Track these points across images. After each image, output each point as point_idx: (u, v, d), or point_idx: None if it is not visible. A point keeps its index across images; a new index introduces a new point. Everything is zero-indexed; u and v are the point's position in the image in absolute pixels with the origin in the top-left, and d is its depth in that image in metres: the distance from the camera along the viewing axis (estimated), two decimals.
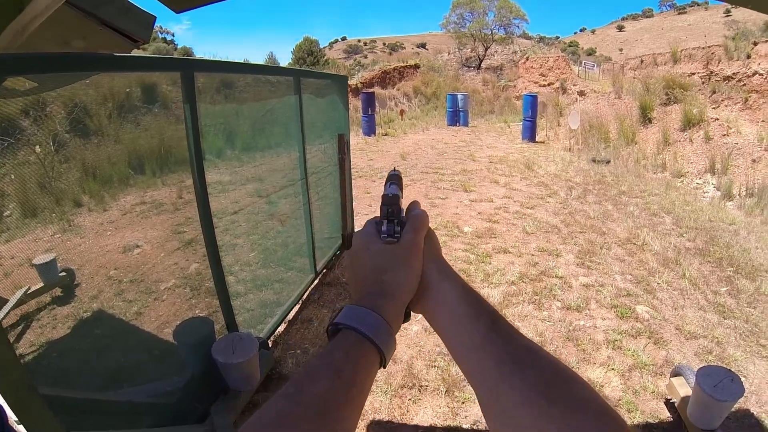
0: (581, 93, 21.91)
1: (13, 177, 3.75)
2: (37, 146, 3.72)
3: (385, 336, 0.52)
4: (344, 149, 4.48)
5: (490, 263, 4.94)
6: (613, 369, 3.20)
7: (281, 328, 3.70)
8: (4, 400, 1.41)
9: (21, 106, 3.94)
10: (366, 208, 6.69)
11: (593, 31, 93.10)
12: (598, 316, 3.89)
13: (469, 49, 33.70)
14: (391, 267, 0.59)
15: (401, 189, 0.76)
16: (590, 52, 57.13)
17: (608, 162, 10.34)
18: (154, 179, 5.68)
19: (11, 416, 1.51)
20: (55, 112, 4.38)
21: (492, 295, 4.22)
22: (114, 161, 5.23)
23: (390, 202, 0.66)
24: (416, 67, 26.76)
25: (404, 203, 0.71)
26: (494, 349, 0.48)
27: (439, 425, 2.78)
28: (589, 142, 12.28)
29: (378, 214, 0.68)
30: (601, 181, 8.62)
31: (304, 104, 3.98)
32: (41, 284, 3.26)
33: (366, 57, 53.53)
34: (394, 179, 0.76)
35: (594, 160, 10.51)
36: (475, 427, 2.75)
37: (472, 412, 2.83)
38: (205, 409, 2.68)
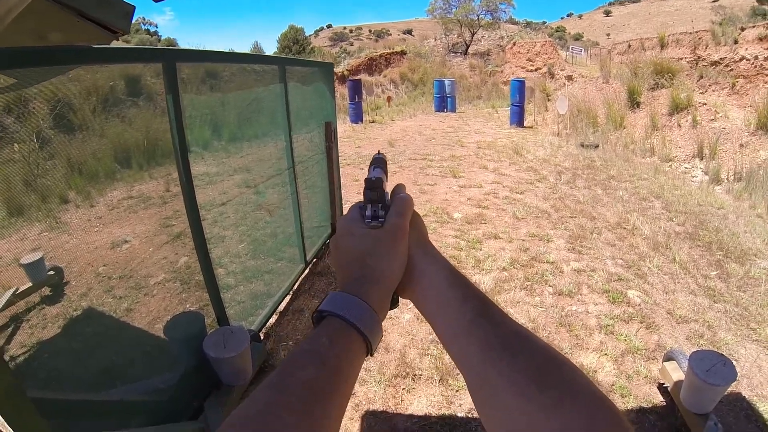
0: (569, 78, 21.89)
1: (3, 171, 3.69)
2: (16, 144, 3.64)
3: (371, 323, 0.51)
4: (331, 137, 4.45)
5: (480, 249, 4.94)
6: (606, 354, 3.22)
7: (273, 320, 3.68)
8: None
9: (2, 104, 3.85)
10: (355, 196, 6.65)
11: (580, 16, 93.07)
12: (590, 301, 3.91)
13: (456, 35, 33.44)
14: (375, 252, 0.58)
15: (386, 173, 0.75)
16: (577, 37, 57.07)
17: (597, 146, 10.37)
18: (141, 173, 5.61)
19: (0, 419, 1.49)
20: (37, 109, 4.28)
21: (483, 281, 4.22)
22: (99, 156, 5.15)
23: (373, 186, 0.64)
24: (403, 53, 26.55)
25: (391, 187, 0.70)
26: (482, 333, 0.48)
27: (433, 414, 2.78)
28: (577, 126, 12.30)
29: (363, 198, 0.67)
30: (590, 166, 8.64)
31: (290, 93, 3.93)
32: (29, 284, 3.18)
33: (352, 44, 53.12)
34: (379, 163, 0.76)
35: (582, 145, 10.54)
36: (470, 416, 2.75)
37: (467, 401, 2.83)
38: (199, 405, 2.66)
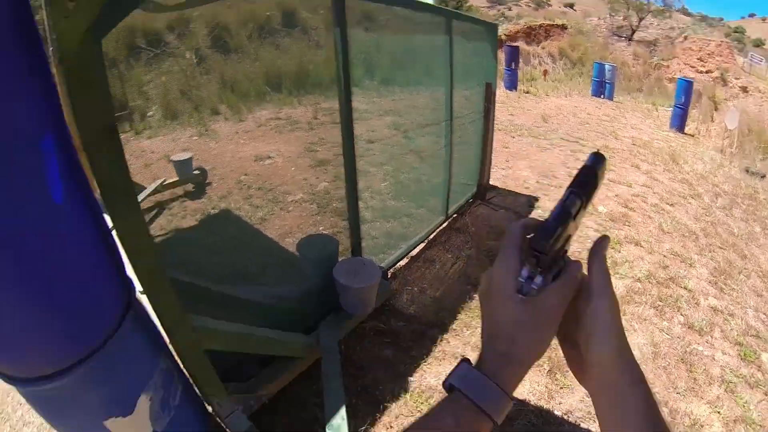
0: (743, 89, 19.32)
1: (163, 80, 4.01)
2: (177, 58, 3.95)
3: (500, 407, 0.50)
4: (491, 98, 4.34)
5: (619, 252, 4.61)
6: (718, 412, 2.85)
7: (403, 263, 3.74)
8: (133, 273, 1.54)
9: (166, 23, 4.15)
10: (503, 163, 6.48)
11: (764, 19, 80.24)
12: (720, 347, 3.47)
13: (621, 17, 30.59)
14: (521, 327, 0.53)
15: (591, 194, 0.57)
16: (758, 44, 49.38)
17: (764, 176, 9.08)
18: (290, 98, 5.84)
19: (138, 287, 1.63)
20: (197, 30, 4.59)
21: (616, 285, 3.88)
22: (252, 78, 5.45)
23: (540, 247, 0.50)
24: (563, 27, 24.87)
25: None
26: None
27: (532, 402, 2.69)
28: (745, 147, 10.82)
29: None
30: (752, 197, 7.58)
31: (454, 47, 3.86)
32: (176, 178, 3.48)
33: (510, 9, 50.52)
34: (586, 178, 0.56)
35: (748, 171, 9.26)
36: (566, 418, 2.62)
37: (568, 402, 2.70)
38: (314, 323, 2.79)
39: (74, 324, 1.37)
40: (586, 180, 0.56)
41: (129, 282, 1.63)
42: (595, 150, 0.62)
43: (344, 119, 2.73)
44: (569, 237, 0.55)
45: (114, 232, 1.53)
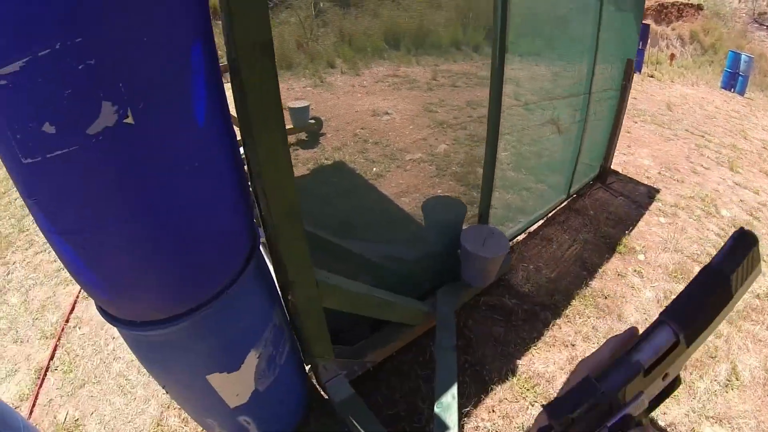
0: None
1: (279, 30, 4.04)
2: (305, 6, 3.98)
3: None
4: (630, 77, 4.03)
5: None
6: None
7: (520, 237, 3.64)
8: (268, 212, 1.44)
9: None
10: (624, 148, 6.04)
11: None
12: None
13: (766, 2, 27.15)
14: None
15: (703, 325, 0.37)
16: None
17: None
18: (408, 57, 5.75)
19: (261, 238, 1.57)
20: None
21: None
22: (370, 34, 5.38)
23: (549, 418, 0.37)
24: (699, 8, 22.50)
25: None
26: None
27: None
28: None
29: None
30: None
31: (603, 14, 3.54)
32: (290, 126, 3.50)
33: None
34: (702, 293, 0.35)
35: None
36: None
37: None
38: (429, 291, 2.71)
39: (198, 266, 1.25)
40: (701, 297, 0.35)
41: (255, 227, 1.54)
42: (742, 227, 0.39)
43: (494, 83, 2.68)
44: (639, 394, 0.38)
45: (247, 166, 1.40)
